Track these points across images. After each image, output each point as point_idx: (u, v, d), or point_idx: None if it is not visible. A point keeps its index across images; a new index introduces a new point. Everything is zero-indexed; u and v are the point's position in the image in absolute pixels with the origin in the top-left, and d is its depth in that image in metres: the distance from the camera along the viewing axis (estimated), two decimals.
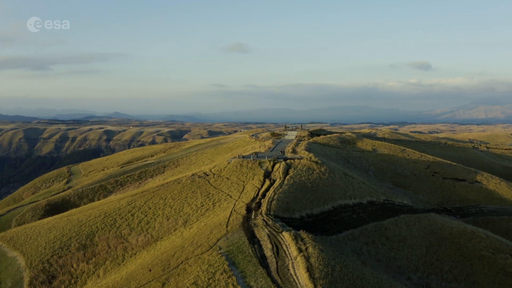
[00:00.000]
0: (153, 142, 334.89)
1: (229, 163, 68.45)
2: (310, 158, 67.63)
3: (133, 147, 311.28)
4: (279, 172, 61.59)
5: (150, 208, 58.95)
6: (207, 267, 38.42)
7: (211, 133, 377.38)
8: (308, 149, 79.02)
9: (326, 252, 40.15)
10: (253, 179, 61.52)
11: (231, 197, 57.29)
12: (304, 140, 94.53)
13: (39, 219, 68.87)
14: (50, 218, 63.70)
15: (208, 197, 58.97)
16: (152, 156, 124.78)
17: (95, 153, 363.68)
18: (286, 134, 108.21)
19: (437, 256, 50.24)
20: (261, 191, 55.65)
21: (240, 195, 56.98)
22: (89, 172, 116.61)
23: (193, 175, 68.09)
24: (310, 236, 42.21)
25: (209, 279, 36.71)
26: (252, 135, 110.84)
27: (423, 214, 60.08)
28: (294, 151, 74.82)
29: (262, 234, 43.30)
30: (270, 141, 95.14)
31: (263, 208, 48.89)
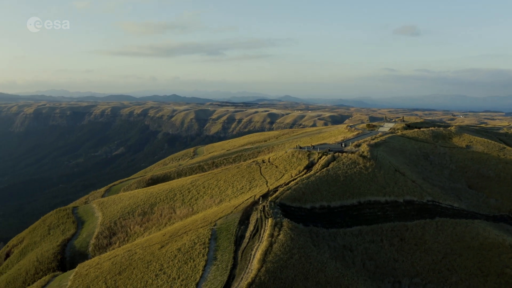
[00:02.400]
0: (313, 126, 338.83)
1: (285, 152, 73.00)
2: (362, 152, 67.13)
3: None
4: (319, 164, 63.75)
5: (204, 187, 68.42)
6: (194, 238, 45.73)
7: (372, 119, 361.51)
8: (380, 143, 77.08)
9: (296, 241, 42.95)
10: (295, 169, 65.18)
11: (266, 183, 62.48)
12: (395, 132, 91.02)
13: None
14: (137, 190, 79.29)
15: (250, 182, 65.32)
16: (265, 141, 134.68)
17: None
18: (382, 126, 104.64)
19: (451, 266, 46.82)
20: (289, 180, 59.34)
21: (274, 183, 61.72)
22: (210, 153, 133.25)
23: (253, 161, 74.96)
24: (290, 225, 45.24)
25: (189, 247, 44.13)
26: (349, 126, 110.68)
27: (466, 220, 54.72)
28: (358, 145, 74.35)
29: (254, 218, 48.14)
30: (356, 132, 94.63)
31: (274, 195, 53.07)
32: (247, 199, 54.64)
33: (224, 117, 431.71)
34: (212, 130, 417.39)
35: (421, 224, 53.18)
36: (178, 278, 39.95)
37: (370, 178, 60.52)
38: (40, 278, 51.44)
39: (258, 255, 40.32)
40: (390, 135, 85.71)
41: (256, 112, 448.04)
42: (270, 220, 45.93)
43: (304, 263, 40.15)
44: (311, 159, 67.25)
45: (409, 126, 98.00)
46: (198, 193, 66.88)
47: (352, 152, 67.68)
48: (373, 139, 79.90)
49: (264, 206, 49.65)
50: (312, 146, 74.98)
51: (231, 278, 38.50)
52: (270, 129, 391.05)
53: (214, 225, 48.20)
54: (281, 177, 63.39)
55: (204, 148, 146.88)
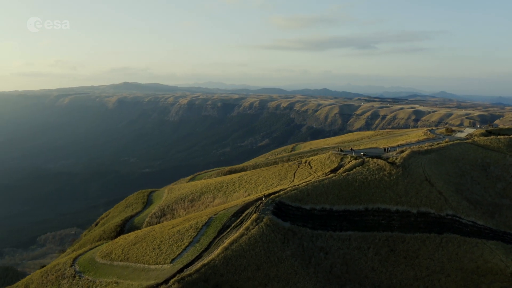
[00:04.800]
0: (460, 125, 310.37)
1: (325, 155, 75.28)
2: (395, 159, 65.88)
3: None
4: (345, 167, 65.19)
5: (246, 182, 75.70)
6: (193, 224, 54.12)
7: None
8: (435, 150, 72.70)
9: (266, 235, 47.83)
10: (322, 171, 67.73)
11: (291, 182, 66.72)
12: (467, 139, 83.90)
13: None
14: (201, 180, 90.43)
15: (280, 180, 70.29)
16: (357, 140, 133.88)
17: None
18: (461, 131, 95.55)
19: (431, 285, 46.13)
20: (306, 181, 62.69)
21: (296, 182, 65.64)
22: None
23: (296, 161, 79.08)
24: (269, 221, 49.87)
25: (185, 230, 52.83)
26: (428, 130, 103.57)
27: (479, 239, 50.76)
28: (403, 151, 71.86)
29: (247, 211, 53.94)
30: (425, 137, 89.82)
31: (277, 194, 57.60)
32: (257, 195, 60.31)
33: (368, 113, 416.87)
34: (355, 126, 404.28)
35: (422, 238, 51.70)
36: (165, 253, 48.95)
37: (390, 185, 59.84)
38: None
39: (226, 243, 46.64)
40: (456, 141, 79.77)
41: (402, 108, 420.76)
42: (254, 215, 51.33)
43: (262, 256, 44.98)
44: (342, 162, 68.76)
45: (490, 133, 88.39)
46: (239, 187, 74.58)
47: (387, 158, 66.88)
48: (430, 146, 76.00)
49: (260, 203, 54.91)
50: (351, 149, 75.57)
51: (196, 258, 45.75)
52: (415, 127, 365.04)
53: (215, 215, 55.65)
54: (306, 178, 66.87)
55: (302, 145, 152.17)
